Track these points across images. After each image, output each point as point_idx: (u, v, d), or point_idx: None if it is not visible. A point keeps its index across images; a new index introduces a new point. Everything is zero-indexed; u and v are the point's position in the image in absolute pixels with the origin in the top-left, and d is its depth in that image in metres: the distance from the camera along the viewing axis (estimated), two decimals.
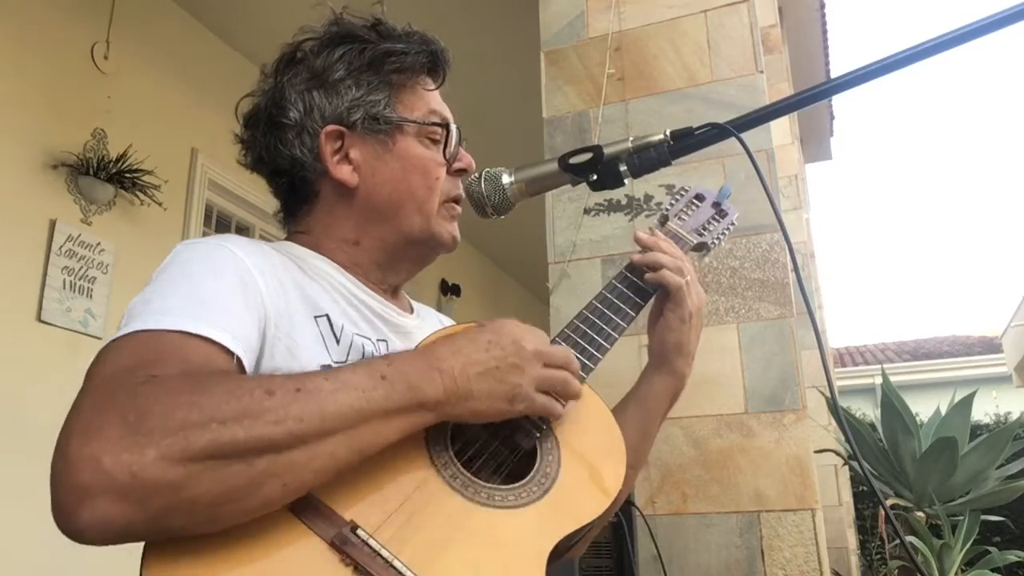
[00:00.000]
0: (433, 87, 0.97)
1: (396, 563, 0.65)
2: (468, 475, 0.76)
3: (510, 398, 0.75)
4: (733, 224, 1.12)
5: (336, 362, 0.82)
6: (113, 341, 0.68)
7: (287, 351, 0.78)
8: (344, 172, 0.91)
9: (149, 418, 0.57)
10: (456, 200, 0.97)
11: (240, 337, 0.72)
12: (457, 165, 0.96)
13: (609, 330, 0.93)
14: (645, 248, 1.01)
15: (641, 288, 1.00)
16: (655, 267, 0.99)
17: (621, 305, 0.97)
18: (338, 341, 0.84)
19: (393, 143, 0.92)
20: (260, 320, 0.76)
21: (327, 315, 0.84)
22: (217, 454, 0.58)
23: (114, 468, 0.55)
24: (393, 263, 0.95)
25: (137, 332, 0.68)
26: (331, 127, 0.91)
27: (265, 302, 0.78)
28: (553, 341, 0.89)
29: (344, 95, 0.91)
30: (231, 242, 0.81)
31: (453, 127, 0.95)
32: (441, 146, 0.94)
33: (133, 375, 0.62)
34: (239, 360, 0.71)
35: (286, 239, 0.96)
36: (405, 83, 0.94)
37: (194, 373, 0.64)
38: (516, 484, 0.77)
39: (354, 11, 0.96)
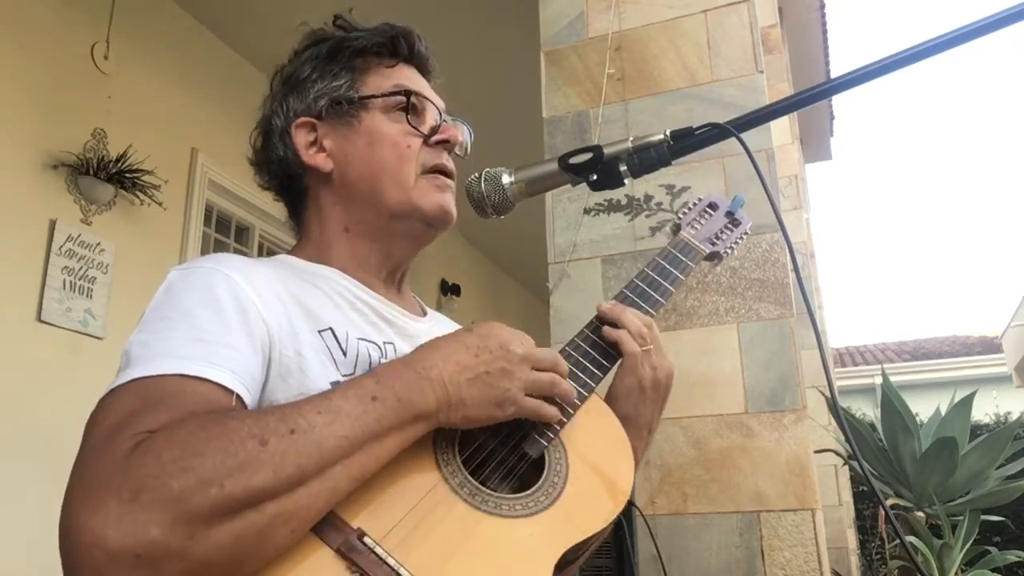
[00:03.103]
0: (394, 63, 0.97)
1: (402, 571, 0.65)
2: (475, 483, 0.75)
3: (499, 403, 0.75)
4: (747, 234, 1.13)
5: (345, 375, 0.81)
6: (111, 390, 0.68)
7: (298, 369, 0.78)
8: (318, 159, 0.93)
9: (144, 492, 0.57)
10: (442, 170, 0.95)
11: (240, 372, 0.71)
12: (437, 137, 0.95)
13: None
14: (607, 318, 0.94)
15: (606, 350, 0.93)
16: (616, 326, 0.93)
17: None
18: (345, 353, 0.83)
19: (359, 122, 0.93)
20: (264, 345, 0.76)
21: (331, 328, 0.83)
22: (218, 514, 0.58)
23: (120, 548, 0.56)
24: (385, 244, 0.94)
25: (135, 380, 0.68)
26: (301, 119, 0.94)
27: (268, 324, 0.77)
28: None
29: (311, 89, 0.94)
30: (225, 265, 0.80)
31: (429, 104, 0.96)
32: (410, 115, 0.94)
33: (125, 434, 0.61)
34: (239, 397, 0.70)
35: (289, 253, 0.96)
36: (368, 66, 0.95)
37: (184, 428, 0.62)
38: (524, 493, 0.77)
39: (359, 13, 0.99)
